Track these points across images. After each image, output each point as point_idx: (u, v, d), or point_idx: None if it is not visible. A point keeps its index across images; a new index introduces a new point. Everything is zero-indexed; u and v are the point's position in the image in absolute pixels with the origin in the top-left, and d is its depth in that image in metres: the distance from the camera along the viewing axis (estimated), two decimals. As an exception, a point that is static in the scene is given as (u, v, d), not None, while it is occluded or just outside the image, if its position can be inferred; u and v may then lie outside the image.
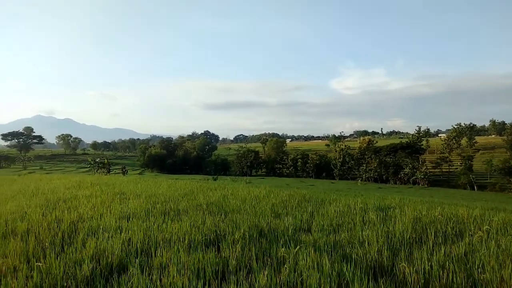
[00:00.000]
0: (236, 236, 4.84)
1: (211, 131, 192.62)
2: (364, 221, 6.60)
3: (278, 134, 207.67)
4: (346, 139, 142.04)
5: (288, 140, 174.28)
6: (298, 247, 4.17)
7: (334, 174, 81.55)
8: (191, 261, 3.82)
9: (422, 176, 76.12)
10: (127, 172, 59.28)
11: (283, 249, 4.18)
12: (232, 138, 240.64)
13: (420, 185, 73.67)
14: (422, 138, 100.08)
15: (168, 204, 8.53)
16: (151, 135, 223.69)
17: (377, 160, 79.89)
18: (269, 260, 3.98)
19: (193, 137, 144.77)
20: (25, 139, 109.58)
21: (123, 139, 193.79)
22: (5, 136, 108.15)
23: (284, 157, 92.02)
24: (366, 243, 4.85)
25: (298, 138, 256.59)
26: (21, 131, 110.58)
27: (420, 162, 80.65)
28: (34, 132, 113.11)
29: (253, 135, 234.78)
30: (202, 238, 4.84)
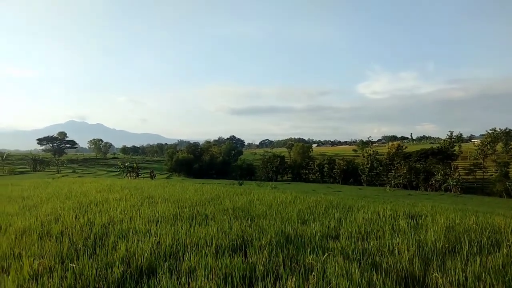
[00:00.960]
0: (263, 242, 4.83)
1: (237, 136, 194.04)
2: (394, 228, 6.42)
3: (304, 139, 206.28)
4: (374, 144, 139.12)
5: (314, 145, 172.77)
6: (326, 254, 4.11)
7: (362, 180, 79.99)
8: (218, 266, 3.84)
9: (455, 183, 73.27)
10: (155, 176, 60.52)
11: (311, 256, 4.13)
12: (257, 143, 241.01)
13: (452, 192, 70.96)
14: (454, 144, 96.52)
15: (195, 208, 8.64)
16: (178, 140, 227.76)
17: (407, 166, 77.74)
18: (296, 267, 3.94)
19: (219, 142, 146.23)
20: (59, 144, 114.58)
21: (151, 143, 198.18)
22: (41, 141, 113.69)
23: (310, 162, 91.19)
24: (396, 251, 4.71)
25: (325, 143, 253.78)
26: (55, 135, 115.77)
27: (452, 169, 77.73)
28: (67, 137, 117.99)
29: (278, 140, 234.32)
30: (229, 243, 4.87)
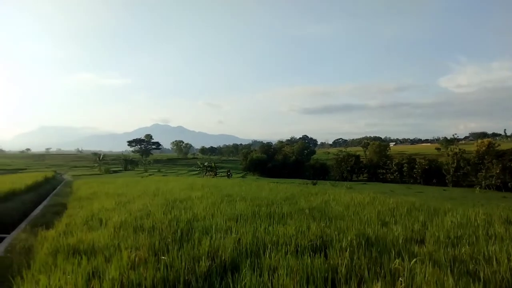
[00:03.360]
0: (343, 244, 4.74)
1: (309, 135, 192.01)
2: (489, 234, 5.83)
3: (381, 138, 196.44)
4: (460, 142, 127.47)
5: (391, 144, 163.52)
6: (414, 259, 3.88)
7: (447, 181, 73.58)
8: (299, 266, 3.87)
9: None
10: (231, 175, 62.73)
11: (398, 260, 3.94)
12: (330, 142, 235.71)
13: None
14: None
15: (272, 207, 8.78)
16: (252, 140, 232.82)
17: (500, 165, 69.48)
18: (381, 271, 3.80)
19: (291, 141, 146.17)
20: (145, 145, 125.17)
21: (227, 144, 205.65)
22: (130, 143, 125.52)
23: (388, 161, 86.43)
24: (494, 260, 4.26)
25: (403, 141, 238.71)
26: (142, 138, 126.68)
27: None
28: (153, 139, 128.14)
29: (353, 139, 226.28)
30: (308, 243, 4.86)
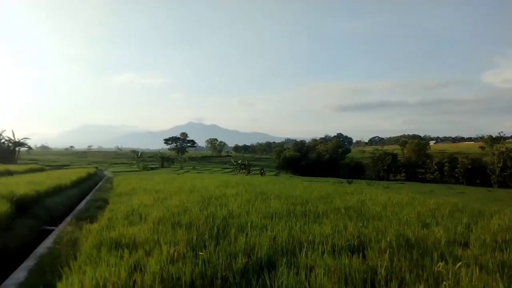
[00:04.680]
0: (382, 245, 4.62)
1: (344, 133, 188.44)
2: (543, 239, 5.47)
3: (420, 136, 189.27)
4: (507, 140, 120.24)
5: (431, 142, 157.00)
6: (459, 263, 3.72)
7: (492, 181, 69.68)
8: (337, 266, 3.81)
9: None
10: (265, 173, 62.91)
11: (441, 263, 3.79)
12: (366, 141, 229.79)
13: None
14: None
15: (307, 206, 8.71)
16: (285, 138, 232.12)
17: (554, 165, 64.97)
18: (423, 274, 3.66)
19: (325, 139, 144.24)
20: (181, 143, 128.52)
21: (259, 142, 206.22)
22: (167, 141, 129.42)
23: (427, 160, 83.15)
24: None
25: (444, 139, 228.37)
26: (178, 136, 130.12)
27: None
28: (188, 137, 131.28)
29: (389, 137, 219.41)
30: (345, 243, 4.79)
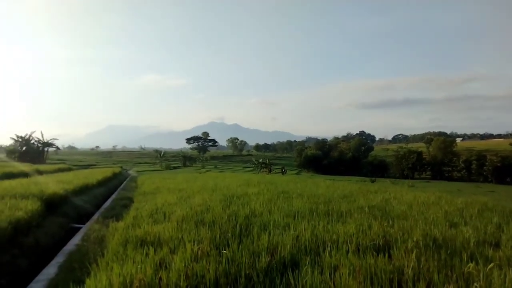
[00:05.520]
0: (409, 244, 4.51)
1: (367, 131, 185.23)
2: None
3: (446, 133, 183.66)
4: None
5: (458, 139, 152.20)
6: (491, 264, 3.58)
7: (524, 179, 67.00)
8: (362, 265, 3.75)
9: None
10: (286, 172, 62.71)
11: (472, 264, 3.66)
12: (390, 138, 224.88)
13: None
14: None
15: (330, 205, 8.63)
16: (306, 137, 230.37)
17: None
18: (452, 275, 3.55)
19: (347, 138, 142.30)
20: (203, 142, 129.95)
21: (281, 141, 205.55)
22: (189, 140, 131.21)
23: (454, 158, 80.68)
24: None
25: (472, 136, 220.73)
26: (200, 135, 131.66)
27: None
28: (209, 136, 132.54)
29: (414, 135, 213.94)
30: (370, 242, 4.71)
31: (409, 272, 3.58)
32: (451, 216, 7.32)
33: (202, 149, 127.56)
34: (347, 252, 4.34)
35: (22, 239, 7.23)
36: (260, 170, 62.31)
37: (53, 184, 13.41)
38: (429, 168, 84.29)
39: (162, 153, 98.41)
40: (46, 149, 69.25)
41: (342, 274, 3.56)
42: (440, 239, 5.09)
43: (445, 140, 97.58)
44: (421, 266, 3.75)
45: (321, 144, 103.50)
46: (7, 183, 13.24)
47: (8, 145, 68.23)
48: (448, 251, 4.35)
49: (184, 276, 3.66)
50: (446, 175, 78.84)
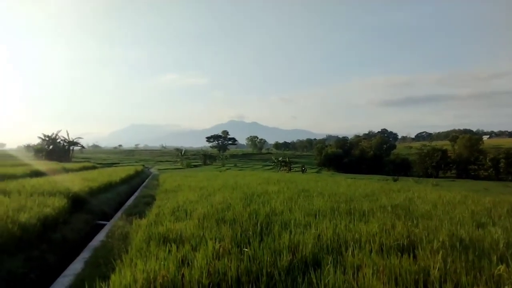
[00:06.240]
0: (434, 245, 4.40)
1: (389, 129, 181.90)
2: None
3: (472, 130, 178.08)
4: None
5: (485, 137, 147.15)
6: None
7: (556, 178, 64.27)
8: (386, 265, 3.68)
9: None
10: (306, 170, 62.34)
11: (502, 266, 3.53)
12: (413, 136, 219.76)
13: None
14: None
15: (351, 204, 8.51)
16: (326, 135, 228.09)
17: None
18: (480, 276, 3.44)
19: (369, 136, 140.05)
20: (222, 141, 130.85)
21: (300, 139, 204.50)
22: (209, 139, 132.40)
23: (481, 156, 78.17)
24: None
25: (500, 134, 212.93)
26: (219, 134, 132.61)
27: None
28: (229, 135, 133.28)
29: (438, 132, 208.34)
30: (394, 242, 4.61)
31: (435, 273, 3.48)
32: (478, 216, 7.09)
33: (222, 147, 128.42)
34: (370, 251, 4.27)
35: (50, 235, 7.47)
36: (279, 168, 62.15)
37: (78, 182, 13.80)
38: (454, 167, 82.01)
39: (183, 152, 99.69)
40: (71, 147, 71.33)
41: (366, 274, 3.50)
42: (467, 239, 4.94)
43: (471, 138, 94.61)
44: (448, 267, 3.64)
45: (342, 142, 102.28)
46: (35, 181, 13.71)
47: (36, 144, 70.75)
48: (476, 252, 4.21)
49: (206, 273, 3.69)
50: (472, 173, 76.52)
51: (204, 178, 20.96)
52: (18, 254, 6.02)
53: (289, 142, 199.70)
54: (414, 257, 4.08)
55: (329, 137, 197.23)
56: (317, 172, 69.22)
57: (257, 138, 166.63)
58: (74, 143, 71.46)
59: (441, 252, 4.04)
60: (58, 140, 68.43)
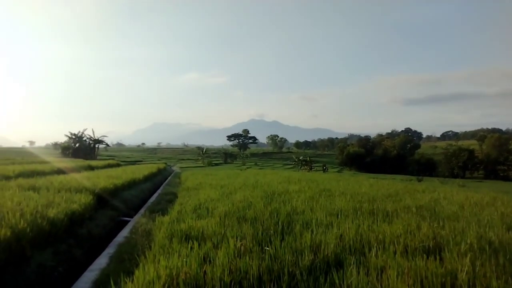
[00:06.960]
0: (462, 247, 4.26)
1: (413, 128, 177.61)
2: None
3: (501, 130, 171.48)
4: None
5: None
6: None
7: None
8: (411, 267, 3.59)
9: None
10: (327, 169, 61.77)
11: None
12: (438, 135, 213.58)
13: None
14: None
15: (374, 204, 8.37)
16: (348, 134, 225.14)
17: None
18: (512, 281, 3.30)
19: (392, 135, 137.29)
20: (243, 139, 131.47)
21: (321, 138, 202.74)
22: (229, 137, 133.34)
23: (510, 157, 75.48)
24: None
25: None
26: (240, 132, 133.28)
27: None
28: (250, 133, 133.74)
29: (465, 132, 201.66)
30: (419, 244, 4.50)
31: (463, 277, 3.37)
32: (509, 219, 6.81)
33: (243, 146, 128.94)
34: (395, 253, 4.17)
35: (77, 230, 7.69)
36: (300, 167, 61.82)
37: (103, 179, 14.15)
38: (481, 167, 79.36)
39: (204, 150, 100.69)
40: (97, 145, 73.29)
41: (390, 276, 3.42)
42: (496, 242, 4.76)
43: (501, 137, 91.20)
44: (477, 271, 3.51)
45: (364, 141, 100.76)
46: (62, 177, 14.15)
47: (63, 142, 73.13)
48: (507, 256, 4.04)
49: (228, 271, 3.70)
50: (501, 174, 73.90)
51: (225, 176, 21.08)
52: (47, 248, 6.23)
53: (310, 141, 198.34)
54: (441, 259, 3.96)
55: (351, 136, 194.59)
56: (338, 171, 68.45)
57: (278, 137, 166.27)
58: (99, 141, 73.39)
59: (469, 255, 3.91)
60: (84, 138, 70.46)
